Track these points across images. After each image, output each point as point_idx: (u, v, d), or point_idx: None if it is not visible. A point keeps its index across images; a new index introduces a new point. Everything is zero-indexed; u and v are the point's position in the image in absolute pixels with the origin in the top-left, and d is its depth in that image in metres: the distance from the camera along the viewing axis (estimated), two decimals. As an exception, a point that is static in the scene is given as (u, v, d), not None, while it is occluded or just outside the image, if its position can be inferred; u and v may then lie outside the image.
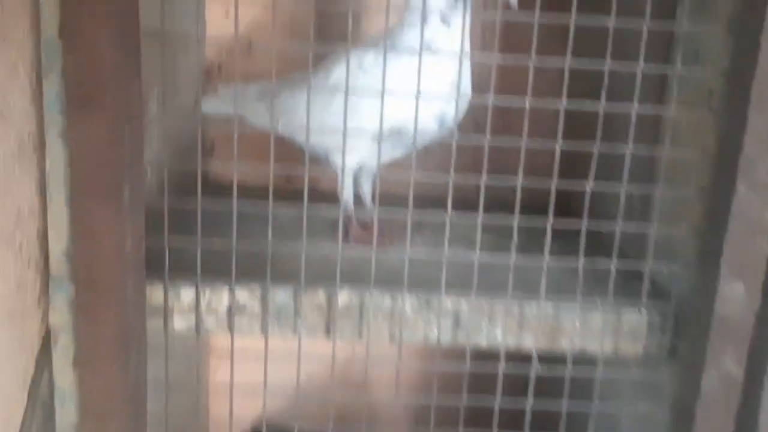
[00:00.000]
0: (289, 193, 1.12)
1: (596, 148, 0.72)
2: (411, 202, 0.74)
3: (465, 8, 0.71)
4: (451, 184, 0.73)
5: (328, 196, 1.23)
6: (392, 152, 1.04)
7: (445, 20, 0.90)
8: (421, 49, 0.73)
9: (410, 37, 0.92)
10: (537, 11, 0.67)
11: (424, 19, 0.88)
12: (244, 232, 0.74)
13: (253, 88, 1.19)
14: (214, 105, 1.24)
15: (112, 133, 0.63)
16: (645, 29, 0.68)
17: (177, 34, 1.14)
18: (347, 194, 1.06)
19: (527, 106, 0.70)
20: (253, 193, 0.74)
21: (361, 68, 0.94)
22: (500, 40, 1.16)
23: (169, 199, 0.71)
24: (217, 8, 1.33)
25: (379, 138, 0.84)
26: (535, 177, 0.72)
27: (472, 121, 0.98)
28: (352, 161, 1.03)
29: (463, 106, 0.96)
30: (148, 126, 0.85)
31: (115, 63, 0.62)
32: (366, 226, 1.05)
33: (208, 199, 0.70)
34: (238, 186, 0.72)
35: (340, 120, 0.91)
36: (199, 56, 1.32)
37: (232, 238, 0.72)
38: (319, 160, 1.10)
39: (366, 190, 1.13)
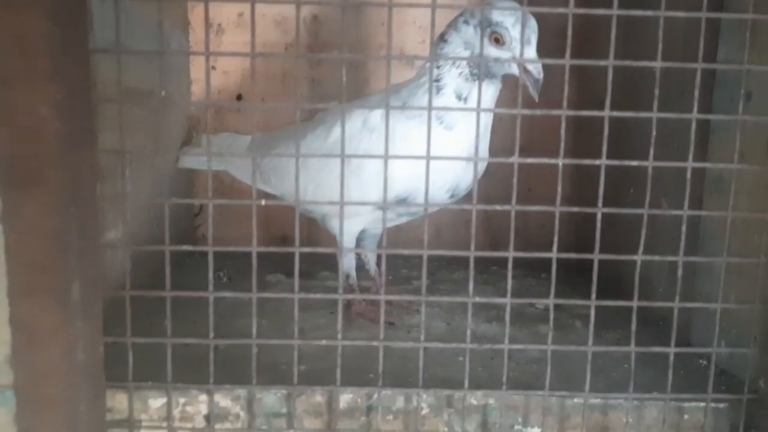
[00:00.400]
0: (285, 256, 1.00)
1: (645, 211, 0.60)
2: (424, 286, 0.62)
3: (480, 88, 0.60)
4: (472, 263, 0.60)
5: (328, 259, 1.11)
6: (397, 219, 0.92)
7: (460, 96, 0.81)
8: (429, 118, 0.61)
9: (423, 102, 0.80)
10: (568, 54, 0.56)
11: (437, 91, 0.81)
12: (230, 307, 0.61)
13: (241, 141, 1.08)
14: (194, 159, 1.13)
15: (55, 217, 0.51)
16: (698, 71, 0.56)
17: (159, 91, 1.04)
18: (348, 264, 0.93)
19: (560, 164, 0.58)
20: (246, 256, 0.61)
21: (366, 127, 0.84)
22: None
23: (142, 282, 0.59)
24: (203, 61, 1.24)
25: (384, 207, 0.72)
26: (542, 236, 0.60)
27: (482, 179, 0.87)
28: (353, 227, 0.91)
29: (479, 174, 0.86)
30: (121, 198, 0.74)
31: (60, 132, 0.51)
32: (371, 302, 0.92)
33: (192, 273, 0.58)
34: (228, 243, 0.60)
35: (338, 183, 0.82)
36: (180, 112, 1.21)
37: (209, 334, 0.59)
38: (316, 222, 0.99)
39: (370, 257, 1.01)
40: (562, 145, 0.58)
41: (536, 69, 0.74)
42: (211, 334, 0.59)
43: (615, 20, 0.56)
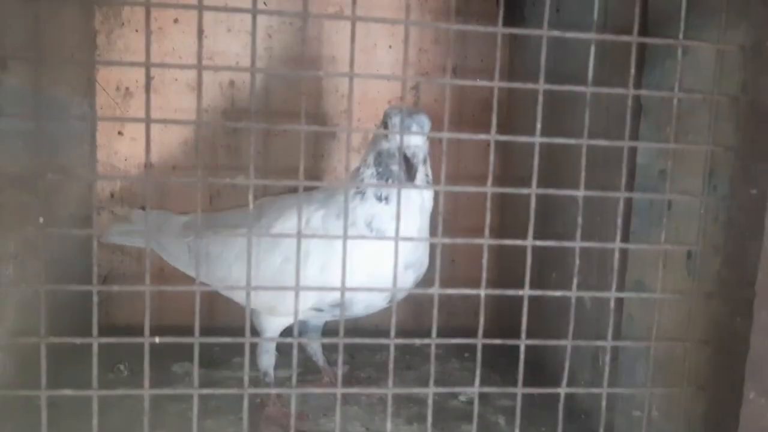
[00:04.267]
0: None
1: (574, 293, 0.56)
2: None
3: (399, 188, 0.58)
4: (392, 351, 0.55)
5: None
6: (332, 318, 0.88)
7: (380, 198, 0.78)
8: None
9: (356, 207, 0.79)
10: (493, 129, 0.53)
11: (361, 196, 0.79)
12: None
13: (175, 220, 1.00)
14: (123, 234, 1.05)
15: None
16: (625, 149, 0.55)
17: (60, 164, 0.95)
18: (267, 362, 0.87)
19: (485, 244, 0.54)
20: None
21: (309, 227, 0.80)
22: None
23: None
24: (110, 126, 1.15)
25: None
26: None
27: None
28: (282, 324, 0.87)
29: (418, 277, 0.84)
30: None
31: None
32: (284, 405, 0.86)
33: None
34: (134, 326, 0.53)
35: (276, 279, 0.79)
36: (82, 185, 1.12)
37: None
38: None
39: (316, 348, 0.97)
40: (488, 222, 0.54)
41: (410, 152, 0.73)
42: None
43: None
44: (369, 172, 0.79)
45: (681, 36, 0.54)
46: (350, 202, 0.79)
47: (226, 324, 0.84)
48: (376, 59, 1.20)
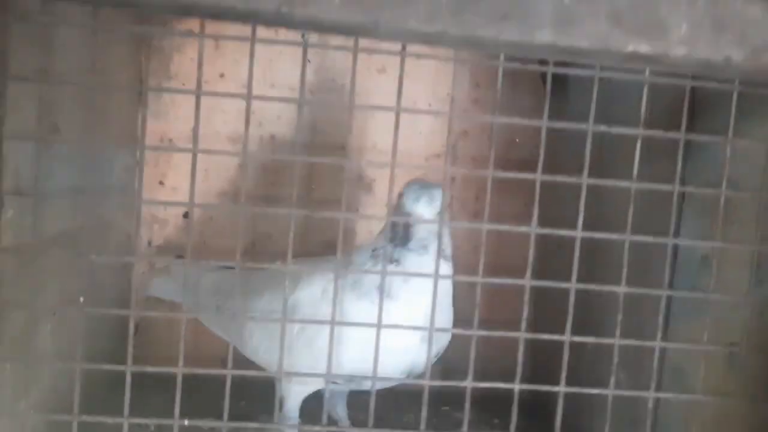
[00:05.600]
0: (219, 388, 0.92)
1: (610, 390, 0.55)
2: None
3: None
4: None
5: (269, 392, 1.02)
6: (349, 389, 0.87)
7: (392, 260, 0.77)
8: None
9: (370, 279, 0.79)
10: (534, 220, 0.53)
11: (376, 259, 0.79)
12: None
13: (208, 278, 0.97)
14: (163, 287, 1.04)
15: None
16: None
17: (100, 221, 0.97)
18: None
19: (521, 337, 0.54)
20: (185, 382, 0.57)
21: (325, 297, 0.79)
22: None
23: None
24: (150, 175, 1.17)
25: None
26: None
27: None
28: (302, 391, 0.85)
29: (439, 352, 0.83)
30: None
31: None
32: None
33: None
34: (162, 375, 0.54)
35: (292, 346, 0.77)
36: (121, 233, 1.14)
37: None
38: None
39: (341, 412, 0.95)
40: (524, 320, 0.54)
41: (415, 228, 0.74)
42: None
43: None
44: (382, 236, 0.80)
45: (730, 134, 0.54)
46: (364, 266, 0.80)
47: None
48: (415, 116, 1.20)
